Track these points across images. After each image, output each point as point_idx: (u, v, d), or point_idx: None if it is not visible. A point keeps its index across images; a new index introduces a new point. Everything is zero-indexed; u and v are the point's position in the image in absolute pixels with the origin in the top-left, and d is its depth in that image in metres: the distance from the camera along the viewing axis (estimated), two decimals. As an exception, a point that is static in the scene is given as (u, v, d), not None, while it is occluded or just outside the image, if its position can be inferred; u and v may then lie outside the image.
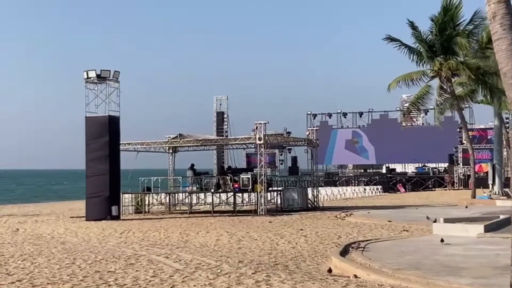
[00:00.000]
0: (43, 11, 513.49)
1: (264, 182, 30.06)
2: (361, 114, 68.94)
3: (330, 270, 12.45)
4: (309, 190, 35.24)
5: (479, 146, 59.99)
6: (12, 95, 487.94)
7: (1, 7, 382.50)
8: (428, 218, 22.82)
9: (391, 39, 40.51)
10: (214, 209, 30.65)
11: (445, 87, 40.66)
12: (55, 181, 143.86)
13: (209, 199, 32.46)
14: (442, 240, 15.52)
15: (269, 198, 31.83)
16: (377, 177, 63.55)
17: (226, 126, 64.60)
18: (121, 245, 18.19)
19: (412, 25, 40.03)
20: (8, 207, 42.78)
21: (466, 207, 31.06)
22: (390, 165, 67.84)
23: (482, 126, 62.92)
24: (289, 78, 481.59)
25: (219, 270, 12.62)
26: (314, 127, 62.44)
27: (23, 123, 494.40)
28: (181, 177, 34.20)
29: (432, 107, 50.16)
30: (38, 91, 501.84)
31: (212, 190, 31.80)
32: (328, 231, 20.83)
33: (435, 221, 20.48)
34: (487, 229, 17.48)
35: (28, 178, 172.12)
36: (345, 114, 69.39)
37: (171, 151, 36.09)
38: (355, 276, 11.41)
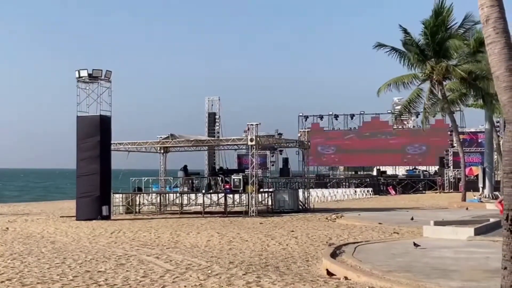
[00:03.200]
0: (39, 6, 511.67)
1: (255, 184, 30.06)
2: (352, 116, 69.14)
3: (328, 273, 12.37)
4: (300, 192, 35.28)
5: (470, 150, 60.17)
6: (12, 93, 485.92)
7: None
8: (412, 219, 23.56)
9: (381, 45, 40.60)
10: (205, 210, 30.58)
11: (436, 90, 40.83)
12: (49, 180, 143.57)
13: (200, 200, 32.41)
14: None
15: (260, 200, 31.83)
16: (368, 180, 63.66)
17: (217, 127, 64.48)
18: (112, 245, 18.14)
19: (405, 31, 40.13)
20: (-2, 206, 42.58)
21: (467, 209, 31.26)
22: (380, 167, 68.02)
23: (473, 130, 63.13)
24: (280, 80, 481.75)
25: (209, 271, 12.60)
26: (305, 128, 62.56)
27: (21, 123, 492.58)
28: (172, 177, 34.17)
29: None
30: (32, 89, 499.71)
31: (203, 191, 31.78)
32: (319, 232, 20.85)
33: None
34: (477, 232, 17.53)
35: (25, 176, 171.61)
36: (336, 116, 69.58)
37: (162, 151, 36.03)
38: (346, 278, 11.42)
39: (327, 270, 12.59)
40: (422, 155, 63.90)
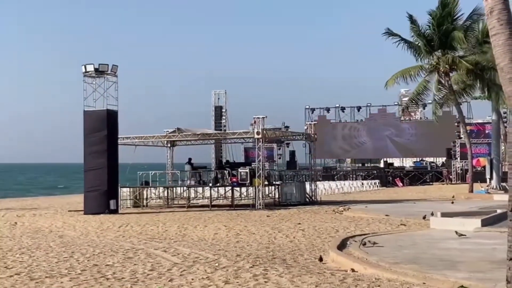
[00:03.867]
0: (42, 4, 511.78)
1: (262, 176, 30.09)
2: (359, 108, 68.94)
3: (321, 259, 12.84)
4: (307, 184, 35.32)
5: (477, 141, 59.98)
6: (13, 90, 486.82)
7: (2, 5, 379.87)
8: (424, 218, 22.09)
9: (390, 33, 40.52)
10: (212, 203, 30.66)
11: (443, 81, 40.73)
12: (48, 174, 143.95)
13: (207, 193, 32.49)
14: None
15: (267, 192, 31.87)
16: (375, 172, 63.65)
17: (224, 121, 64.50)
18: (119, 238, 18.23)
19: (411, 19, 40.07)
20: (6, 201, 42.79)
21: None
22: (388, 159, 67.92)
23: (480, 121, 62.94)
24: (287, 73, 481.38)
25: (217, 264, 12.66)
26: (312, 121, 62.56)
27: (24, 117, 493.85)
28: (179, 171, 34.25)
29: (431, 101, 50.28)
30: (37, 85, 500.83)
31: (210, 184, 31.85)
32: (326, 225, 20.88)
33: (424, 217, 20.66)
34: (484, 223, 17.53)
35: (29, 172, 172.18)
36: (343, 109, 69.41)
37: (169, 145, 36.10)
38: (352, 270, 11.46)
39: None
40: (429, 146, 63.54)
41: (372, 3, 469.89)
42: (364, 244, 14.32)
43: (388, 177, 60.56)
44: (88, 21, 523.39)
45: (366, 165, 71.00)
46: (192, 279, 11.05)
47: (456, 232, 15.88)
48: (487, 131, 58.94)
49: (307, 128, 39.65)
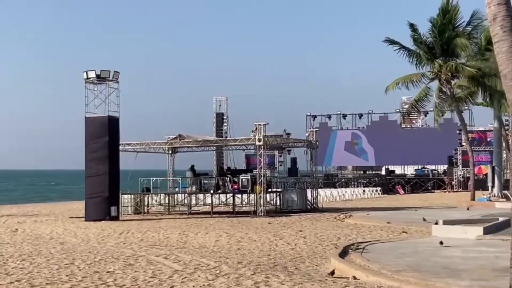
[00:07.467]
0: (43, 9, 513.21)
1: (264, 183, 30.05)
2: (360, 115, 69.05)
3: (332, 273, 12.39)
4: (309, 192, 35.26)
5: (479, 148, 59.94)
6: (12, 94, 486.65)
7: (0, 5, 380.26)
8: (424, 220, 23.00)
9: (390, 41, 40.57)
10: (213, 210, 30.62)
11: (444, 89, 40.75)
12: (54, 181, 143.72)
13: (208, 200, 32.46)
14: (441, 243, 15.56)
15: (268, 199, 31.81)
16: (377, 179, 63.51)
17: (225, 127, 64.54)
18: (120, 245, 18.19)
19: (412, 27, 40.12)
20: (7, 207, 42.73)
21: (468, 209, 31.05)
22: (389, 166, 67.86)
23: (481, 128, 62.89)
24: (288, 80, 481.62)
25: (218, 271, 12.62)
26: (313, 128, 62.57)
27: (22, 123, 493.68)
28: (180, 178, 34.22)
29: (432, 109, 50.34)
30: (38, 91, 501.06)
31: (212, 191, 31.81)
32: (327, 232, 20.83)
33: (436, 223, 20.56)
34: (487, 231, 17.47)
35: (27, 178, 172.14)
36: (344, 116, 69.50)
37: (170, 151, 36.08)
38: (354, 278, 11.41)
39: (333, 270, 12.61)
40: (431, 154, 63.47)
41: (373, 9, 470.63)
42: (361, 250, 14.26)
43: (390, 184, 60.46)
44: (89, 26, 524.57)
45: (367, 172, 70.97)
46: (193, 286, 11.01)
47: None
48: (488, 139, 58.90)
49: (309, 135, 39.62)
